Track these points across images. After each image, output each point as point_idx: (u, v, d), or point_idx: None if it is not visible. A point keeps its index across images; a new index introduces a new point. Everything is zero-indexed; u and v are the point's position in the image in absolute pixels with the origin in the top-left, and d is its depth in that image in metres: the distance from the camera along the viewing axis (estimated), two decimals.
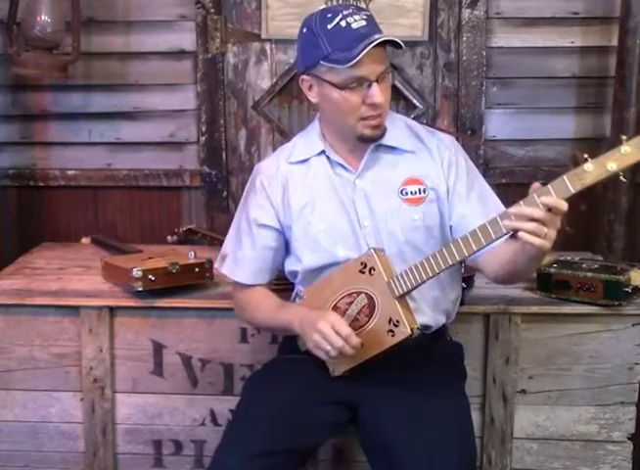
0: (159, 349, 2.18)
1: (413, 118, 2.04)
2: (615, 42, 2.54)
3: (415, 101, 2.71)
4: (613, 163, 1.41)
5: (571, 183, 1.45)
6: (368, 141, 1.78)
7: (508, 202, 1.71)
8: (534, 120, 2.69)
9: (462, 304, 2.02)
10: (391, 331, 1.66)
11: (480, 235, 1.55)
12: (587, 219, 2.69)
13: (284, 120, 2.77)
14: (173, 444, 2.22)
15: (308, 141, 1.87)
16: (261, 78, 2.75)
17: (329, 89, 1.72)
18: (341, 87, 1.70)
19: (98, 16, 2.70)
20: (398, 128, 1.85)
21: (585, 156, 1.43)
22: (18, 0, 2.53)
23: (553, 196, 1.47)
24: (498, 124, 2.71)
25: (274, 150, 2.35)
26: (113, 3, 2.70)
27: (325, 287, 1.79)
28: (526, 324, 2.10)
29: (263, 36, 2.69)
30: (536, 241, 1.48)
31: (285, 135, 2.70)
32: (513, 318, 2.09)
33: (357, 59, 1.64)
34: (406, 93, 2.71)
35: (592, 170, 1.43)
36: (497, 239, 1.55)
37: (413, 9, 2.63)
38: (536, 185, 1.50)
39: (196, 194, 2.82)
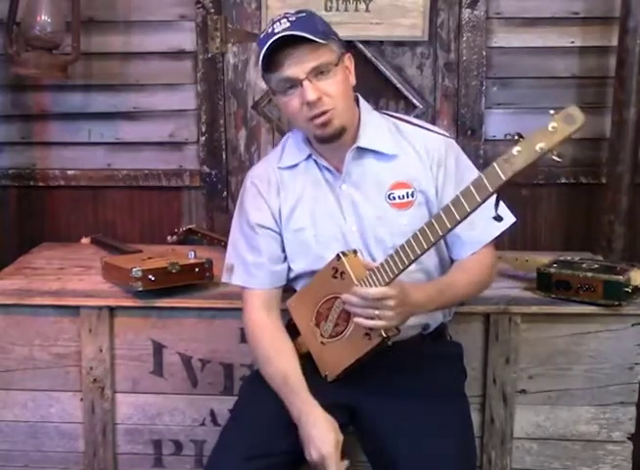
0: (159, 349, 2.18)
1: (405, 118, 1.98)
2: (615, 42, 2.54)
3: (415, 101, 2.71)
4: (541, 142, 1.33)
5: (501, 170, 1.37)
6: (326, 141, 1.74)
7: (506, 202, 1.71)
8: (534, 120, 2.65)
9: (462, 304, 2.02)
10: (368, 335, 1.65)
11: (436, 225, 1.51)
12: (587, 219, 2.71)
13: (284, 120, 2.76)
14: (173, 444, 2.22)
15: (296, 146, 1.85)
16: (261, 78, 2.73)
17: (275, 97, 1.76)
18: (280, 92, 1.71)
19: (98, 16, 2.70)
20: (381, 131, 1.81)
21: (515, 136, 1.36)
22: (18, 0, 2.53)
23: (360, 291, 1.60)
24: (498, 124, 2.71)
25: None
26: (113, 3, 2.70)
27: (307, 294, 1.79)
28: (526, 324, 2.10)
29: None
30: (368, 323, 1.62)
31: (285, 135, 2.69)
32: (513, 318, 2.09)
33: (262, 56, 1.66)
34: (406, 93, 2.71)
35: (521, 153, 1.36)
36: (451, 229, 1.49)
37: (413, 9, 2.63)
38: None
39: (196, 194, 2.82)
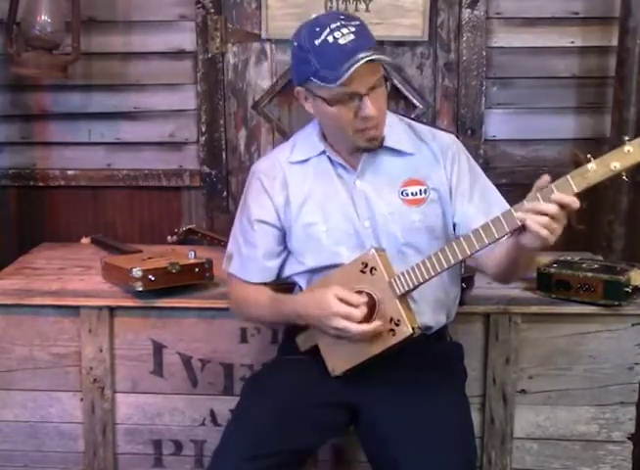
0: (159, 349, 2.18)
1: (413, 118, 2.03)
2: (615, 42, 2.54)
3: (415, 101, 2.71)
4: (616, 162, 1.44)
5: (575, 183, 1.47)
6: (366, 151, 1.79)
7: (508, 202, 1.72)
8: (534, 120, 2.69)
9: (462, 304, 2.02)
10: (392, 330, 1.67)
11: (482, 234, 1.56)
12: (587, 219, 2.70)
13: (284, 120, 2.77)
14: (173, 444, 2.22)
15: (309, 141, 1.87)
16: (261, 78, 2.75)
17: (321, 104, 1.72)
18: (332, 103, 1.70)
19: (98, 16, 2.70)
20: (398, 130, 1.85)
21: (588, 155, 1.46)
22: (18, 0, 2.53)
23: (560, 194, 1.49)
24: (498, 124, 2.71)
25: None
26: (113, 3, 2.70)
27: (324, 287, 1.79)
28: (526, 324, 2.10)
29: (263, 36, 2.69)
30: (544, 232, 1.49)
31: (285, 135, 2.69)
32: (513, 318, 2.09)
33: (344, 78, 1.63)
34: (406, 93, 2.71)
35: (596, 170, 1.45)
36: (500, 238, 1.56)
37: (413, 9, 2.63)
38: (542, 182, 1.51)
39: (196, 194, 2.82)
